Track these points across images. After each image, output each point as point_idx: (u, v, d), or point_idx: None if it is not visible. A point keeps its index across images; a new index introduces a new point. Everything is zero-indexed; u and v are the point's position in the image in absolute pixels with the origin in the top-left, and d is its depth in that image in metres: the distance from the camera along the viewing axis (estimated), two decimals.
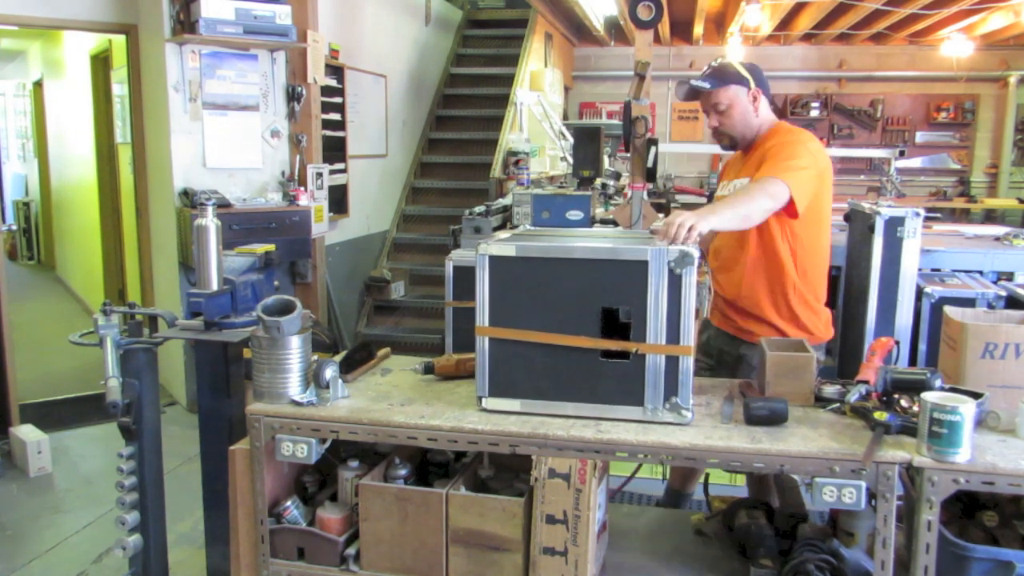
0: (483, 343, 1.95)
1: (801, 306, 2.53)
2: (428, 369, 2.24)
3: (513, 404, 1.95)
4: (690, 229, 1.97)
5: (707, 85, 2.51)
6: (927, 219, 3.97)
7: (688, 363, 1.85)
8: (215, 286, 2.35)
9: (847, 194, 9.13)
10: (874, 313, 3.56)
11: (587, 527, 1.83)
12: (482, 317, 1.95)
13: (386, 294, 6.57)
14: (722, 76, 2.53)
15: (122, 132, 5.69)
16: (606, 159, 5.09)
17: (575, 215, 3.91)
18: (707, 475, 2.48)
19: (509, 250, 1.92)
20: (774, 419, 1.87)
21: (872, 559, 1.80)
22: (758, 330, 2.52)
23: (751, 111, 2.55)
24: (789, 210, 2.34)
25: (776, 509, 2.20)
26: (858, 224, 3.93)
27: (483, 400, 1.97)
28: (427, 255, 7.02)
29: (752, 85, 2.53)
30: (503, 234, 2.30)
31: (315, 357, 2.13)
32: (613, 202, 4.73)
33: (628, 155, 3.71)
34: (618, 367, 1.88)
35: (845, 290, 4.22)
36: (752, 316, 2.57)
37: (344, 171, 5.97)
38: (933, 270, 4.10)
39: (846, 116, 9.83)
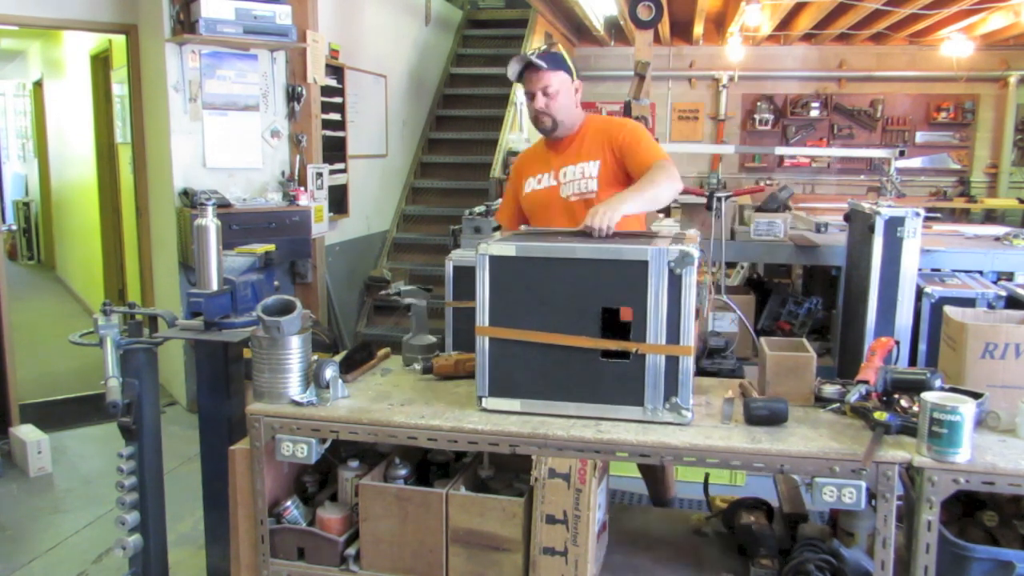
0: (483, 343, 1.95)
1: None
2: (427, 369, 2.24)
3: (513, 404, 1.96)
4: (608, 222, 2.12)
5: (543, 64, 2.53)
6: (927, 219, 3.97)
7: (688, 363, 1.85)
8: (215, 286, 2.35)
9: (847, 194, 9.18)
10: (874, 313, 3.56)
11: (587, 527, 1.83)
12: (482, 317, 1.95)
13: (386, 294, 6.56)
14: (556, 60, 2.57)
15: (122, 132, 5.69)
16: None
17: None
18: (707, 475, 2.48)
19: (509, 250, 1.92)
20: (774, 419, 1.87)
21: (872, 559, 1.80)
22: None
23: (574, 100, 2.61)
24: None
25: (776, 509, 2.21)
26: (858, 224, 3.93)
27: (483, 400, 1.97)
28: (427, 255, 7.02)
29: (575, 77, 2.62)
30: (503, 234, 2.30)
31: (315, 357, 2.13)
32: None
33: None
34: (618, 367, 1.88)
35: (845, 290, 4.22)
36: None
37: (344, 171, 5.97)
38: (933, 270, 4.09)
39: (846, 116, 9.82)
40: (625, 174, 2.55)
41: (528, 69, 2.55)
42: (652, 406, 1.87)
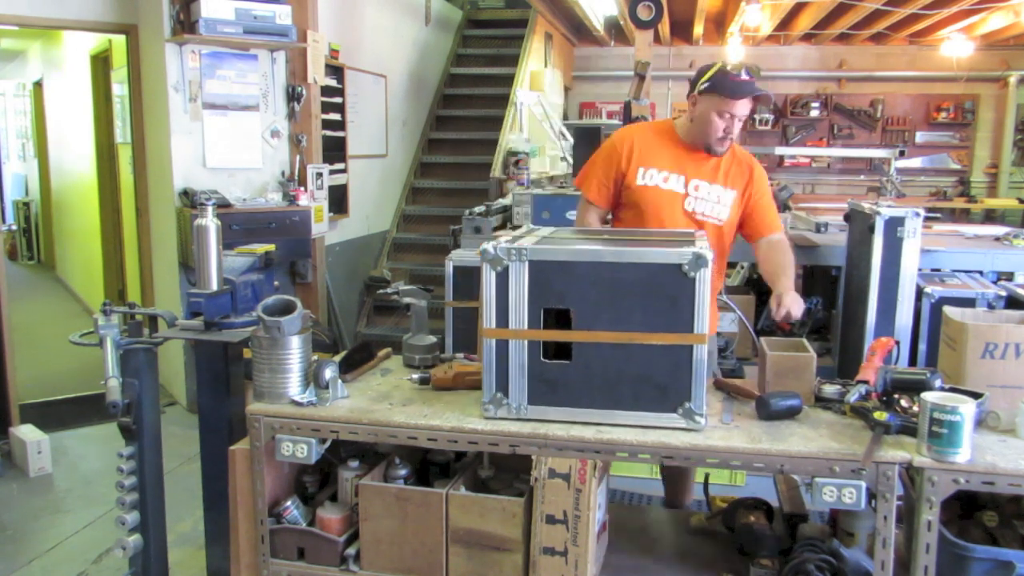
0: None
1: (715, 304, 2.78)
2: (424, 380, 2.18)
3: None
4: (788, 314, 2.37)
5: (765, 91, 2.48)
6: (927, 219, 3.97)
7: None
8: (215, 286, 2.35)
9: (847, 194, 9.17)
10: (874, 313, 3.55)
11: (587, 527, 1.83)
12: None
13: (386, 294, 6.57)
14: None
15: (122, 132, 5.69)
16: None
17: (575, 215, 3.90)
18: (707, 475, 2.48)
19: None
20: (790, 413, 1.89)
21: (872, 559, 1.80)
22: None
23: None
24: None
25: (776, 509, 2.21)
26: (858, 224, 3.92)
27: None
28: (427, 255, 7.02)
29: None
30: (505, 234, 2.29)
31: (315, 357, 2.13)
32: None
33: None
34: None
35: (845, 290, 4.22)
36: None
37: (344, 171, 5.97)
38: (933, 270, 4.09)
39: (846, 116, 9.82)
40: (741, 210, 2.62)
41: (756, 95, 2.46)
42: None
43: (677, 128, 2.65)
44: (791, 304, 2.36)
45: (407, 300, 2.41)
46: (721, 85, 2.44)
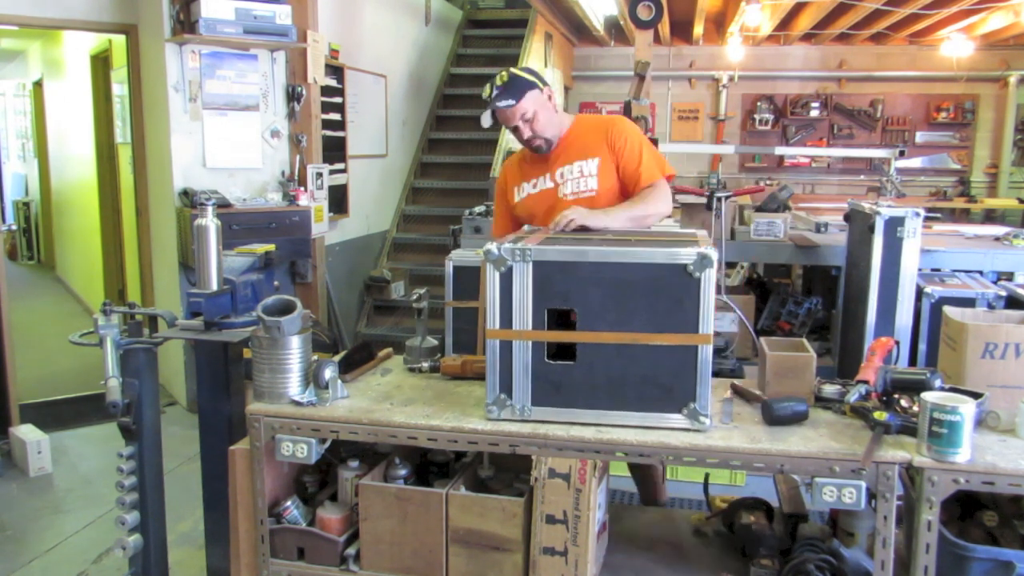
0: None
1: None
2: (435, 368, 2.24)
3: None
4: (571, 221, 2.27)
5: (512, 101, 2.46)
6: (927, 219, 3.97)
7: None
8: (215, 286, 2.35)
9: (847, 194, 9.18)
10: (874, 313, 3.56)
11: (587, 527, 1.83)
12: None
13: (386, 294, 6.58)
14: (518, 87, 2.48)
15: (122, 132, 5.69)
16: None
17: None
18: (707, 475, 2.48)
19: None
20: (796, 419, 1.87)
21: (872, 559, 1.80)
22: None
23: (551, 109, 2.56)
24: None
25: (776, 509, 2.21)
26: (858, 224, 3.93)
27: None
28: (427, 255, 7.02)
29: (542, 85, 2.54)
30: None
31: (315, 357, 2.13)
32: None
33: None
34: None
35: (845, 290, 4.22)
36: None
37: (344, 171, 5.97)
38: (933, 270, 4.09)
39: (846, 116, 9.82)
40: (618, 172, 2.55)
41: (498, 111, 2.49)
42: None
43: None
44: (575, 213, 2.29)
45: (420, 305, 2.39)
46: (483, 123, 2.54)
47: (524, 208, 2.68)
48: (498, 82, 2.50)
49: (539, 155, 2.63)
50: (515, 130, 2.54)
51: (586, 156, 2.56)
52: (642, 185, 2.51)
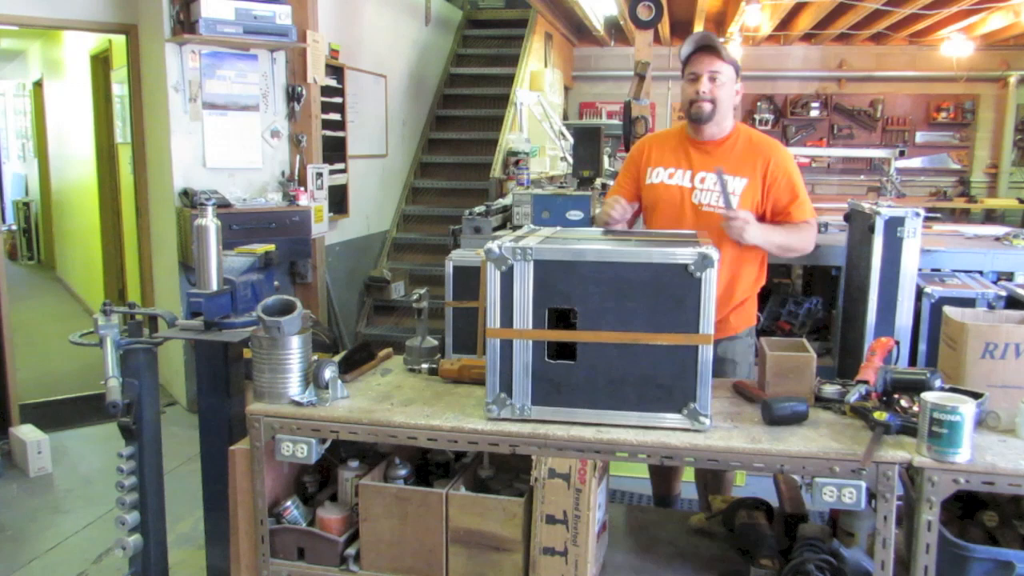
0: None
1: (755, 299, 2.70)
2: (433, 371, 2.23)
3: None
4: (742, 226, 2.36)
5: (722, 51, 2.50)
6: (927, 219, 3.96)
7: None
8: (215, 286, 2.35)
9: (847, 194, 9.17)
10: (874, 313, 3.55)
11: (587, 527, 1.83)
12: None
13: (386, 294, 6.58)
14: (730, 54, 2.54)
15: (122, 132, 5.70)
16: (606, 159, 5.09)
17: (575, 215, 3.91)
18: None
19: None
20: (795, 419, 1.86)
21: (872, 559, 1.80)
22: (735, 320, 2.62)
23: (733, 96, 2.58)
24: None
25: (776, 509, 2.20)
26: (858, 224, 3.92)
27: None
28: (427, 255, 7.02)
29: (739, 80, 2.59)
30: (505, 234, 2.29)
31: (315, 357, 2.13)
32: None
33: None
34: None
35: (845, 290, 4.22)
36: (729, 308, 2.61)
37: (344, 171, 5.97)
38: (933, 270, 4.09)
39: (846, 116, 9.83)
40: (763, 201, 2.54)
41: (703, 51, 2.48)
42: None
43: (687, 127, 2.67)
44: (748, 223, 2.38)
45: (422, 305, 2.39)
46: (681, 52, 2.54)
47: (651, 193, 2.63)
48: (709, 33, 2.54)
49: (688, 145, 2.59)
50: (695, 79, 2.51)
51: (736, 173, 2.52)
52: (792, 221, 2.55)
